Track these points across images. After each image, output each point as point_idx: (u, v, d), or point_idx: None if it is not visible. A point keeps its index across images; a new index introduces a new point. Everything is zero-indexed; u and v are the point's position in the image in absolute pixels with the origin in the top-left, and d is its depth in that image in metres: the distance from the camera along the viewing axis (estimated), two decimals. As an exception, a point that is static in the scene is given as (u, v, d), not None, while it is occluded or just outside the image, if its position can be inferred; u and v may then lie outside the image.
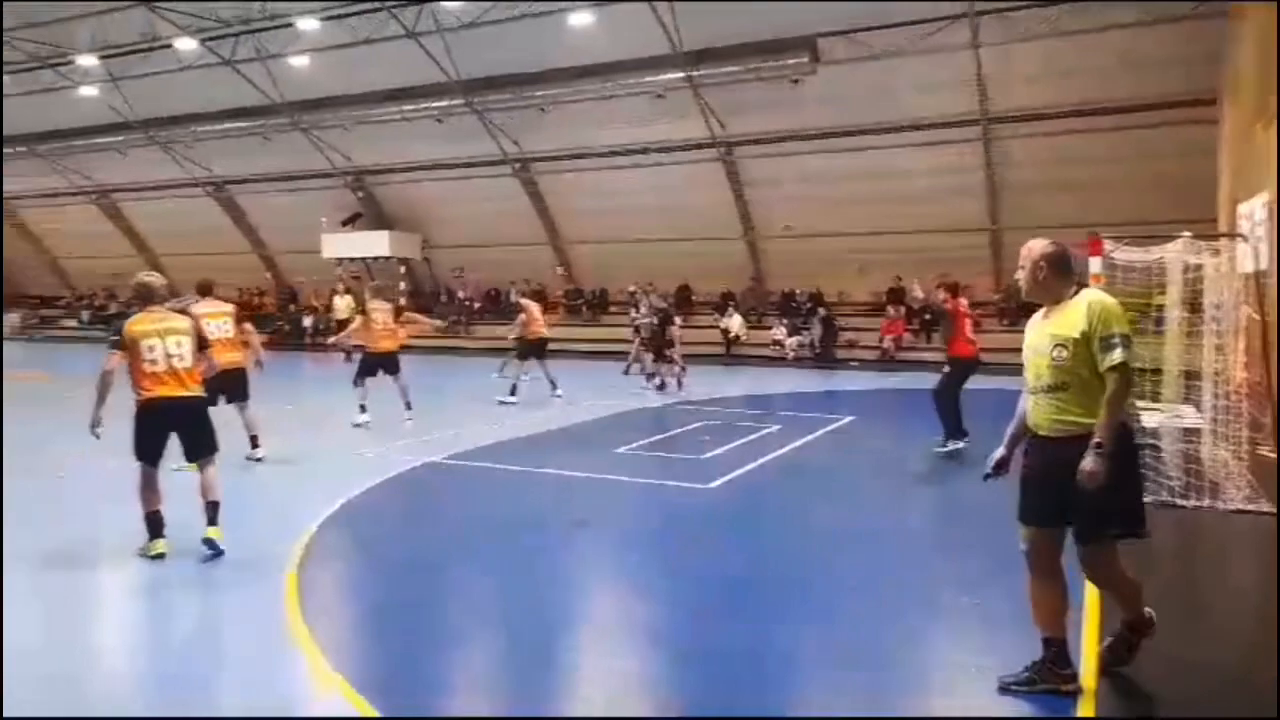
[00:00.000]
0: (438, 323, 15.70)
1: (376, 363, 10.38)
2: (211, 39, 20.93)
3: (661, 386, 13.94)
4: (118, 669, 4.11)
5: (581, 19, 18.36)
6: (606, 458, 8.62)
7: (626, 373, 16.08)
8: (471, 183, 23.92)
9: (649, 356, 14.60)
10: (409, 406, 10.32)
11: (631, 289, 21.19)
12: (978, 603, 4.65)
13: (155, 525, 5.34)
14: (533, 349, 12.90)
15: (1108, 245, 7.06)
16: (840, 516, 6.75)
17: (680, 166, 21.36)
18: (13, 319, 31.71)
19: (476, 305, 25.49)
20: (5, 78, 23.07)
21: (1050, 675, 3.51)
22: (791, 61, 18.33)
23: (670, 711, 3.61)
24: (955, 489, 7.69)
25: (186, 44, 20.47)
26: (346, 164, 25.11)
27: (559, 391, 12.65)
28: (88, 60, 21.78)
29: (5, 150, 28.05)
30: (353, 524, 6.43)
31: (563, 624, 4.55)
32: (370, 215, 25.92)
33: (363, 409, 10.28)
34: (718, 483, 7.56)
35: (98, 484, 6.73)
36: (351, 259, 26.34)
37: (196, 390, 5.53)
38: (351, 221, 25.79)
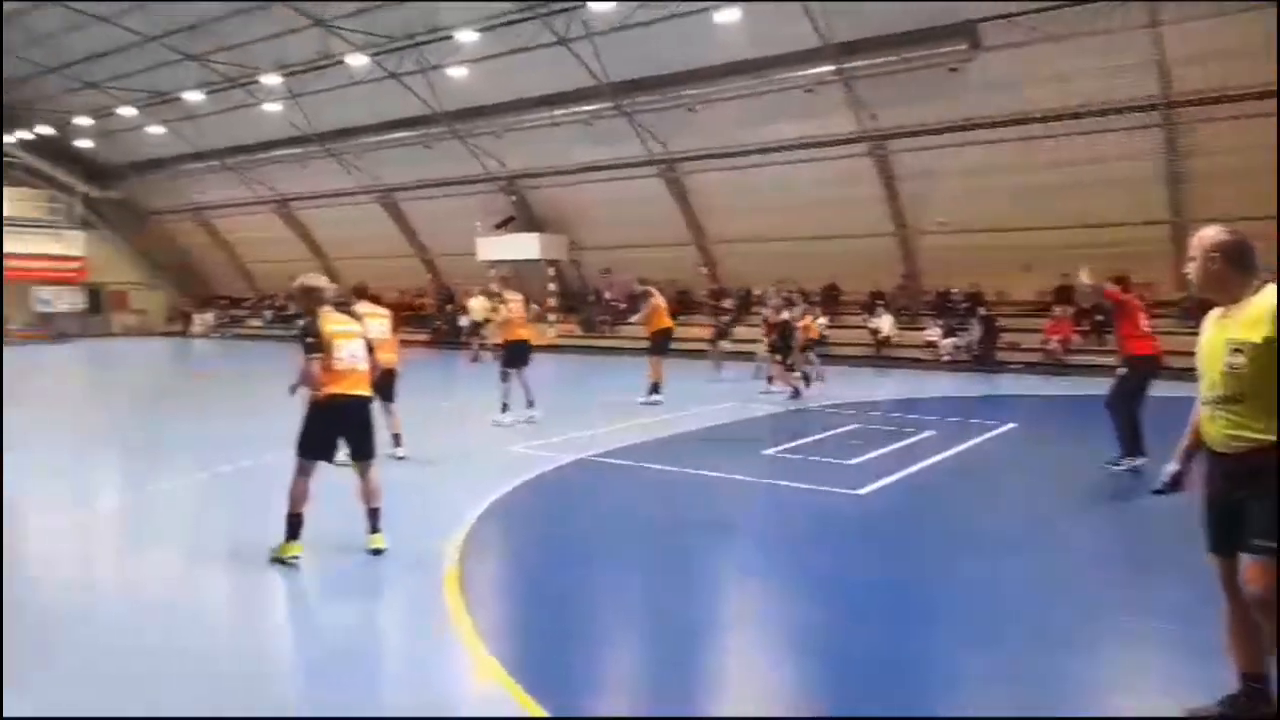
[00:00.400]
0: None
1: (517, 351, 10.55)
2: (379, 54, 22.25)
3: (796, 394, 13.14)
4: (282, 666, 4.21)
5: (728, 16, 18.20)
6: (754, 460, 8.47)
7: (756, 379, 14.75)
8: (618, 184, 24.27)
9: (775, 360, 13.79)
10: (531, 405, 10.41)
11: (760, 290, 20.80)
12: (1161, 628, 4.22)
13: (295, 527, 5.29)
14: (660, 344, 12.74)
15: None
16: (1003, 530, 6.32)
17: (828, 162, 20.79)
18: (206, 318, 35.10)
19: (622, 306, 25.86)
20: (203, 97, 25.45)
21: (1246, 713, 3.09)
22: (948, 49, 17.47)
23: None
24: (1131, 505, 7.02)
25: (358, 60, 21.84)
26: (500, 169, 26.08)
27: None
28: (271, 79, 23.65)
29: (203, 165, 31.12)
30: (507, 520, 6.61)
31: (713, 625, 4.50)
32: (522, 218, 26.79)
33: (505, 408, 10.49)
34: (869, 489, 7.25)
35: (261, 481, 6.99)
36: (503, 261, 27.37)
37: (368, 391, 5.62)
38: (504, 225, 26.76)
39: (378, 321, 8.03)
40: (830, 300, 21.56)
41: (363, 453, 5.56)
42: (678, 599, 4.82)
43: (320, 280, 5.74)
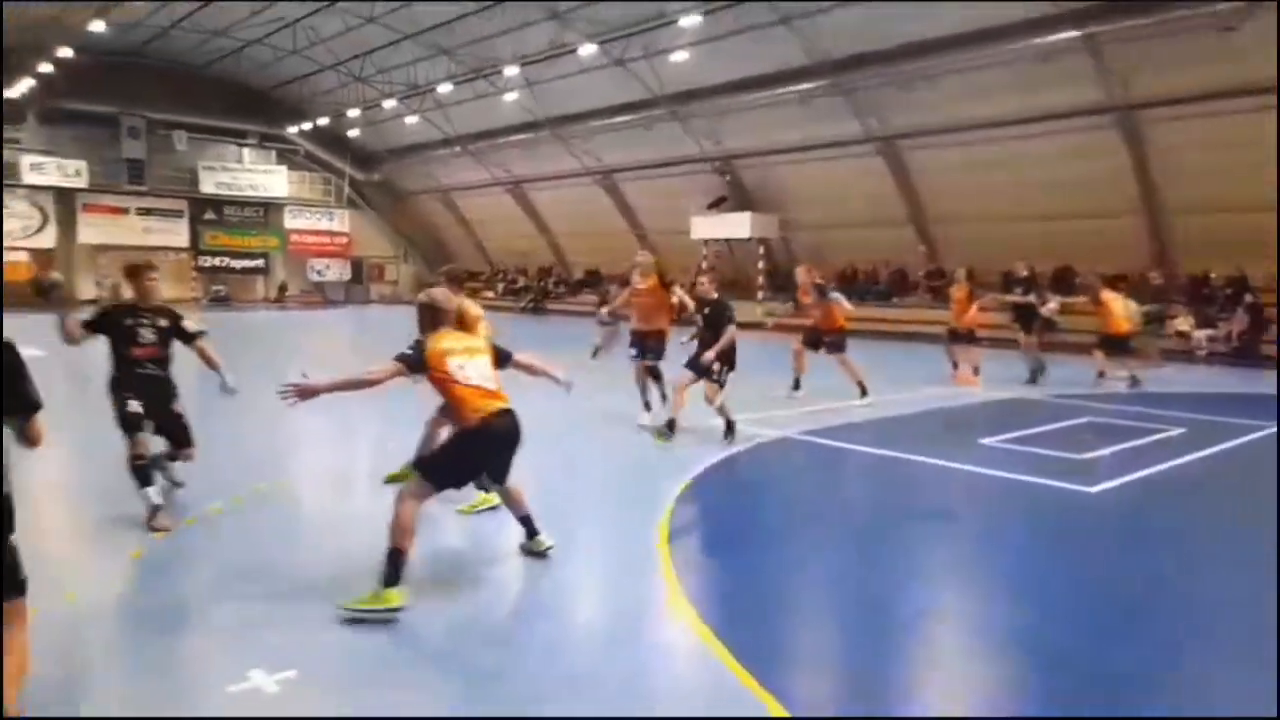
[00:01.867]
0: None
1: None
2: (606, 41, 23.28)
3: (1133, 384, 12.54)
4: (520, 639, 4.56)
5: (957, -16, 17.35)
6: (971, 448, 8.28)
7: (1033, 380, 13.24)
8: (832, 163, 23.91)
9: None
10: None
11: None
12: None
13: (400, 567, 4.22)
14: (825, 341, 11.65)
15: None
16: (1259, 545, 5.82)
17: (1065, 136, 19.28)
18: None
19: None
20: (452, 88, 27.87)
21: None
22: (1222, 5, 15.57)
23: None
24: None
25: (587, 48, 23.00)
26: (715, 149, 26.49)
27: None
28: (511, 70, 25.48)
29: (448, 150, 34.09)
30: (716, 490, 6.98)
31: (923, 617, 4.52)
32: (734, 198, 27.10)
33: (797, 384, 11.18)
34: (1102, 487, 6.91)
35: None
36: (715, 240, 27.91)
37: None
38: (717, 205, 27.21)
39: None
40: (1062, 283, 20.03)
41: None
42: (886, 586, 4.85)
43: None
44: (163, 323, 5.75)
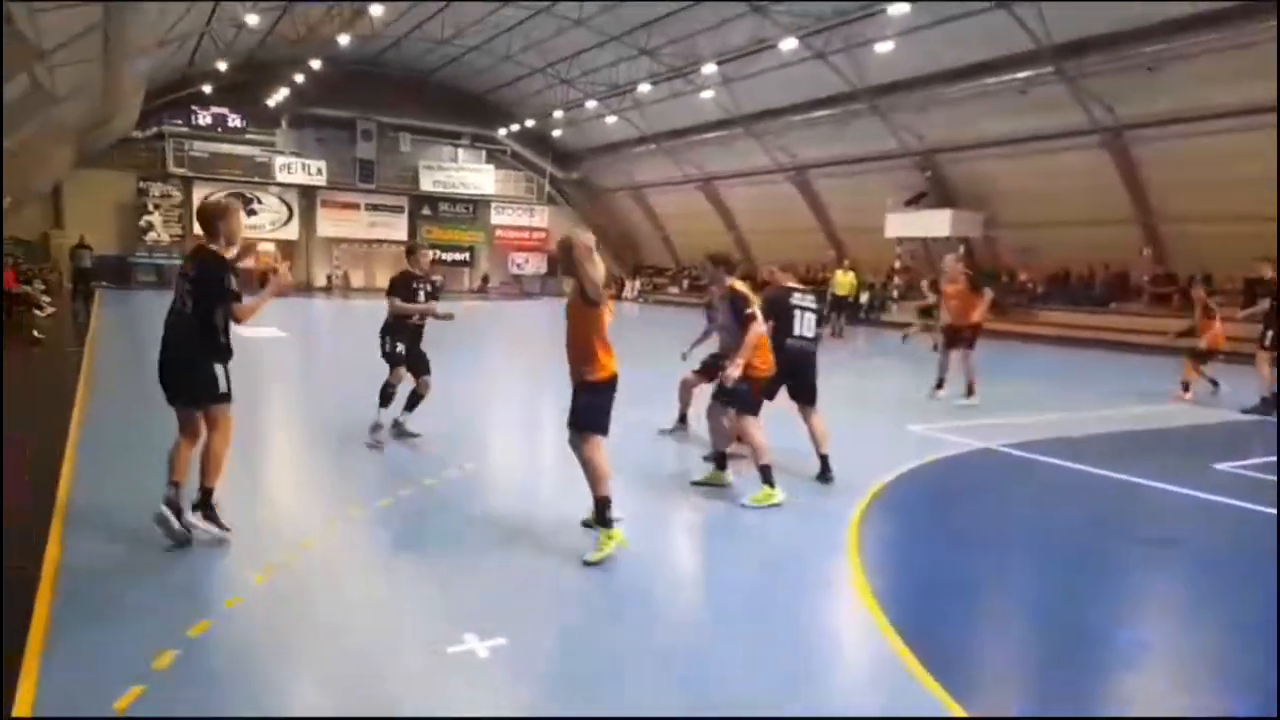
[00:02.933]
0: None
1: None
2: (808, 35, 22.94)
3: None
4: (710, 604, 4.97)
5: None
6: (1202, 473, 7.50)
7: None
8: (1048, 156, 22.28)
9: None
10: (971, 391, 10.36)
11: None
12: None
13: (608, 509, 4.94)
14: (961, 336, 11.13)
15: None
16: None
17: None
18: (634, 284, 39.76)
19: (1040, 289, 23.78)
20: (650, 87, 28.54)
21: None
22: None
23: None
24: None
25: (789, 43, 22.78)
26: (916, 143, 25.41)
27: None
28: (709, 68, 25.71)
29: (643, 148, 34.97)
30: (909, 494, 6.78)
31: (1124, 647, 4.23)
32: (934, 194, 25.88)
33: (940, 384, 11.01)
34: (1364, 527, 6.04)
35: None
36: (910, 239, 26.77)
37: None
38: (916, 201, 26.10)
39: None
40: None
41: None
42: (1089, 610, 4.57)
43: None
44: (429, 285, 7.87)
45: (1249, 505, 6.56)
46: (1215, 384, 11.74)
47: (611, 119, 33.45)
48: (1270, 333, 11.06)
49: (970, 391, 10.66)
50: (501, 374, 14.23)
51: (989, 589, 4.98)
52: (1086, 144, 21.27)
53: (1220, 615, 4.70)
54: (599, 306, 4.85)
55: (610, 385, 4.95)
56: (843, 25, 22.25)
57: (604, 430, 4.95)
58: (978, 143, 23.89)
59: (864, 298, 25.95)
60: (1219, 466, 7.73)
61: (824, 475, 6.68)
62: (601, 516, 4.89)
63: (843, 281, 22.16)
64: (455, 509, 5.95)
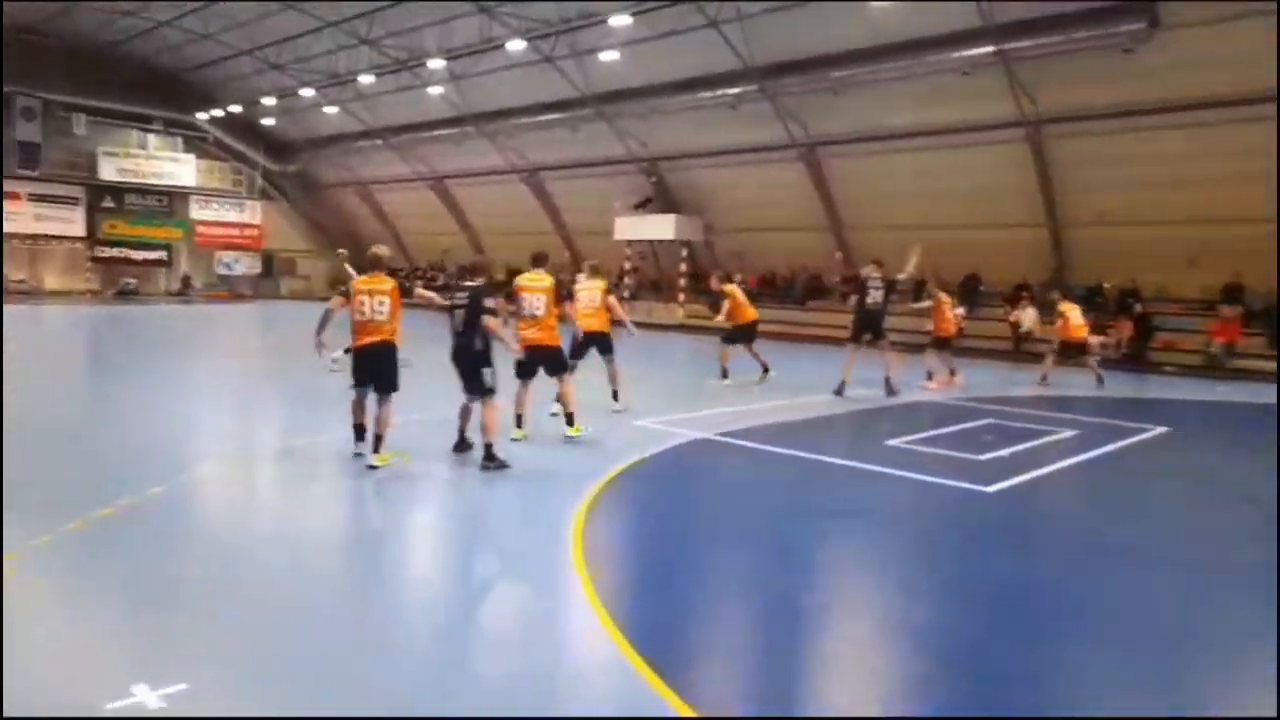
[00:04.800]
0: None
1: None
2: (535, 38, 23.11)
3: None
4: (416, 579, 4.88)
5: (883, -5, 17.84)
6: (878, 449, 8.54)
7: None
8: (757, 168, 24.32)
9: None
10: (616, 396, 10.16)
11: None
12: None
13: (360, 431, 7.29)
14: (742, 333, 12.92)
15: None
16: (1146, 541, 6.15)
17: (981, 149, 20.05)
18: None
19: (754, 289, 25.95)
20: (374, 79, 27.22)
21: None
22: (1125, 28, 16.45)
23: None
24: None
25: (516, 44, 22.76)
26: (642, 150, 26.60)
27: (771, 374, 12.77)
28: (436, 63, 25.02)
29: (369, 143, 33.32)
30: (632, 488, 7.04)
31: (821, 611, 4.67)
32: (659, 200, 27.26)
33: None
34: (998, 486, 7.20)
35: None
36: (639, 240, 28.04)
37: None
38: (643, 205, 27.33)
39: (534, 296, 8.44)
40: (970, 291, 20.86)
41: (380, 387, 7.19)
42: (795, 582, 5.02)
43: (381, 250, 7.51)
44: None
45: (911, 475, 7.55)
46: (953, 372, 13.52)
47: (332, 110, 31.48)
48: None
49: (766, 370, 12.72)
50: (199, 387, 12.78)
51: (702, 571, 5.26)
52: (787, 157, 23.49)
53: (903, 577, 5.35)
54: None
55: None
56: (568, 32, 22.69)
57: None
58: (696, 152, 25.51)
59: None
60: (891, 442, 8.84)
61: (486, 462, 7.17)
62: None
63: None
64: (140, 535, 5.21)
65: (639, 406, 10.16)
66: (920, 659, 4.13)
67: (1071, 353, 14.20)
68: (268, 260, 38.76)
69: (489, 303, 7.31)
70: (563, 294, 8.85)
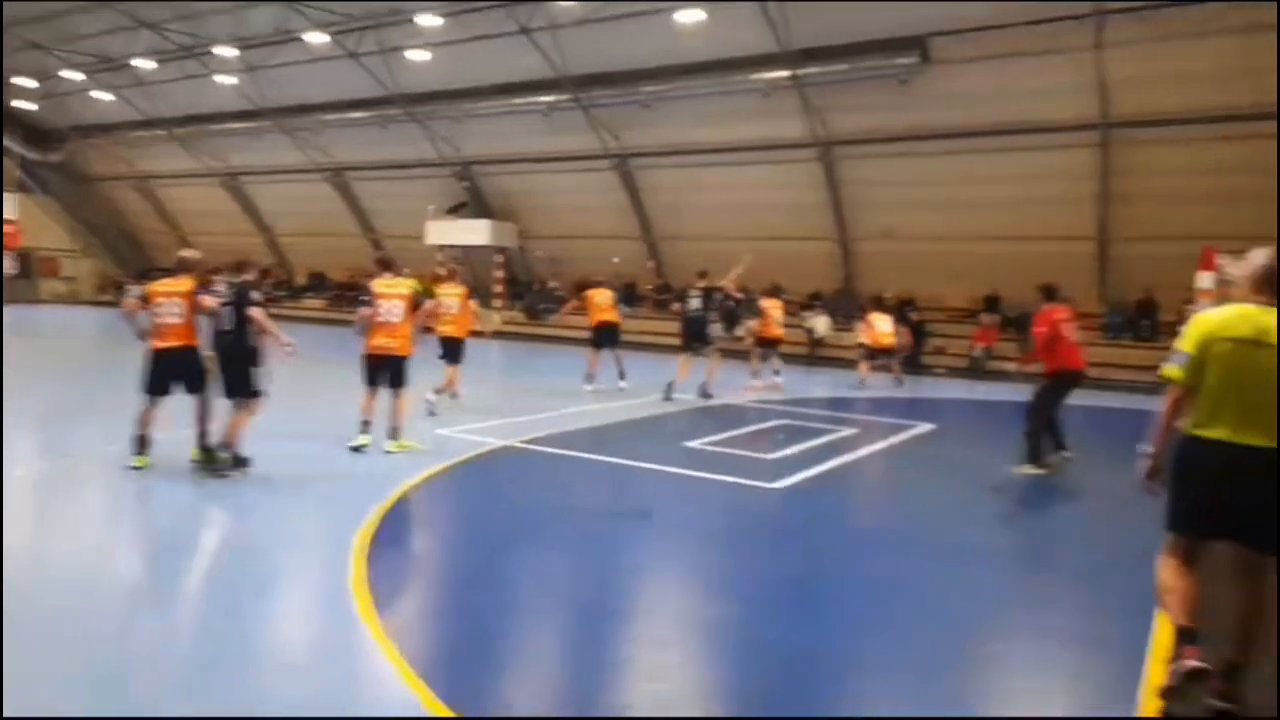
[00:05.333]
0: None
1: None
2: (339, 33, 22.06)
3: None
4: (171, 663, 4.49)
5: (690, 16, 18.53)
6: (676, 451, 8.78)
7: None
8: (571, 176, 24.50)
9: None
10: (454, 396, 10.44)
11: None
12: (1065, 626, 4.61)
13: (142, 444, 6.82)
14: (602, 336, 13.09)
15: (1221, 259, 6.80)
16: (911, 526, 6.70)
17: (779, 166, 21.28)
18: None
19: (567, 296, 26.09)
20: (155, 65, 24.91)
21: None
22: (901, 61, 18.04)
23: (719, 710, 3.69)
24: (1037, 507, 7.53)
25: (317, 38, 21.61)
26: (454, 154, 26.05)
27: (623, 384, 12.80)
28: (228, 51, 23.27)
29: (149, 133, 30.44)
30: (429, 498, 6.82)
31: (622, 616, 4.67)
32: (473, 205, 26.81)
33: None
34: (784, 483, 7.60)
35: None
36: (452, 246, 27.39)
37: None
38: (456, 210, 26.76)
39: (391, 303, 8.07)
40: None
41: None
42: (589, 589, 5.01)
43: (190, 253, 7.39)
44: None
45: (705, 475, 7.81)
46: (777, 373, 14.46)
47: (104, 95, 28.50)
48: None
49: (622, 376, 12.78)
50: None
51: (484, 582, 5.13)
52: (600, 167, 23.84)
53: (689, 575, 5.49)
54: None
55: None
56: (375, 28, 21.84)
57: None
58: (510, 158, 25.32)
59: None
60: (689, 444, 9.12)
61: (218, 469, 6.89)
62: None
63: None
64: None
65: (446, 416, 9.90)
66: (708, 656, 4.24)
67: (879, 357, 15.62)
68: (25, 260, 34.33)
69: (255, 295, 7.06)
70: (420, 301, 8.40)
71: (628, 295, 25.15)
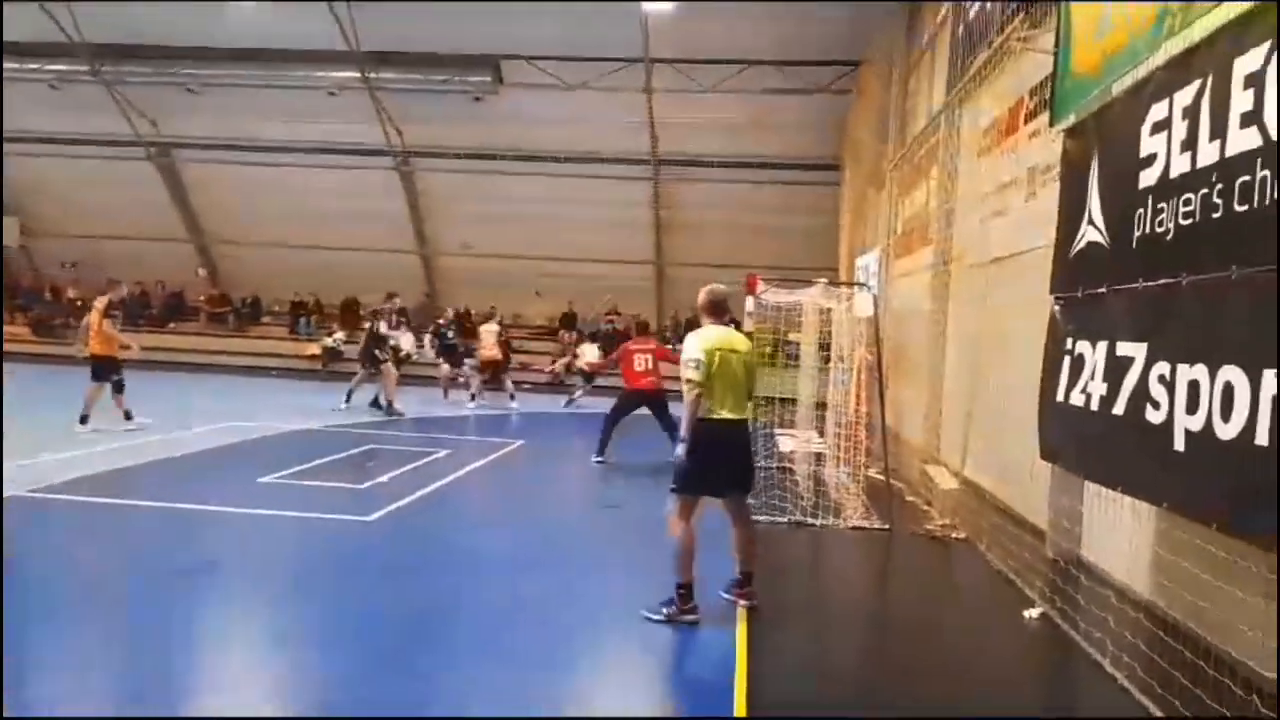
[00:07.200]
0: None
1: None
2: None
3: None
4: None
5: (241, -2, 16.53)
6: (248, 489, 7.56)
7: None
8: (94, 163, 20.48)
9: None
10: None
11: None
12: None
13: None
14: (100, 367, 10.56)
15: (760, 285, 7.79)
16: (510, 544, 6.50)
17: (353, 171, 20.14)
18: None
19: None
20: None
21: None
22: (475, 79, 18.17)
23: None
24: (617, 507, 7.87)
25: None
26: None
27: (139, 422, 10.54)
28: None
29: None
30: None
31: (197, 690, 3.79)
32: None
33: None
34: (380, 514, 6.95)
35: None
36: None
37: None
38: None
39: None
40: (350, 314, 20.79)
41: None
42: (148, 659, 4.03)
43: None
44: None
45: (287, 513, 6.84)
46: (512, 397, 15.37)
47: None
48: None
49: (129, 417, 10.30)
50: None
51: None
52: (135, 155, 20.26)
53: (272, 625, 4.57)
54: None
55: None
56: None
57: None
58: (11, 136, 20.20)
59: None
60: (263, 479, 7.93)
61: None
62: None
63: None
64: None
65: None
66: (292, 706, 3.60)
67: (490, 372, 15.78)
68: None
69: None
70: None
71: (174, 307, 21.81)
